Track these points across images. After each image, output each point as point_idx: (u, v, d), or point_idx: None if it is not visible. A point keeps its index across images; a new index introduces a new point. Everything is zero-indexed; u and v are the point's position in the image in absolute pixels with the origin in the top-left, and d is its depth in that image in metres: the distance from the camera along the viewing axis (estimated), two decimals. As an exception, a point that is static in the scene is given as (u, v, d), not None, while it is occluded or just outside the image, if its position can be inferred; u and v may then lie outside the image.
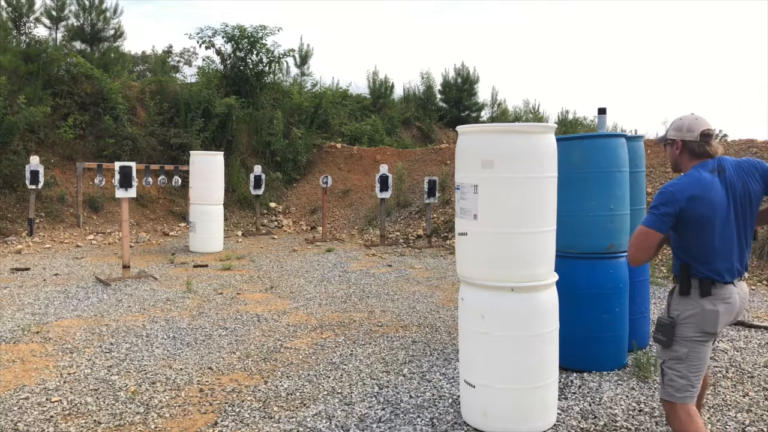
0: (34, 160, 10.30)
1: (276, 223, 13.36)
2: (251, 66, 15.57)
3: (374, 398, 3.67)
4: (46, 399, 3.64)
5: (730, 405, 3.57)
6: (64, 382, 3.91)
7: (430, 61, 50.38)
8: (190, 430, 3.24)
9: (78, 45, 14.71)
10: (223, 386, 3.88)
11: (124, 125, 12.64)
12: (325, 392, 3.78)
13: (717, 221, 2.52)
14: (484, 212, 3.12)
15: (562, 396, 3.67)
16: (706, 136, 2.59)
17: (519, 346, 3.11)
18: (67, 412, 3.46)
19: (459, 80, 20.36)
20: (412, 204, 12.85)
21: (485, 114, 20.97)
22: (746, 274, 2.66)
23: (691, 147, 2.62)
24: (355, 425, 3.29)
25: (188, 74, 18.12)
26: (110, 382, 3.91)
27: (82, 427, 3.27)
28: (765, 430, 3.26)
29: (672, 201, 2.50)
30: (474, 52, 46.84)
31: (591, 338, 4.08)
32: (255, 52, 15.44)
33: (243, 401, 3.63)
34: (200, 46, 15.95)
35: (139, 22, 37.64)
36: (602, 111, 4.67)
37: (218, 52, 15.57)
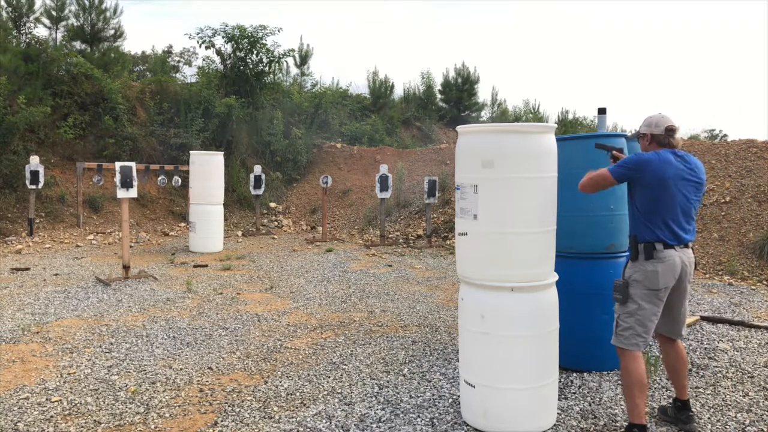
0: (34, 160, 10.30)
1: (276, 223, 13.36)
2: (251, 66, 15.57)
3: (374, 398, 3.67)
4: (46, 399, 3.64)
5: (730, 405, 3.57)
6: (64, 382, 3.91)
7: (430, 61, 50.40)
8: (190, 430, 3.24)
9: (78, 45, 14.70)
10: (223, 386, 3.88)
11: (124, 125, 12.65)
12: (325, 392, 3.78)
13: (664, 191, 3.09)
14: (484, 212, 3.12)
15: (562, 396, 3.67)
16: (670, 130, 3.20)
17: (519, 346, 3.11)
18: (67, 412, 3.46)
19: (459, 80, 20.37)
20: (412, 204, 12.85)
21: (485, 114, 20.99)
22: (693, 244, 3.22)
23: (658, 139, 3.22)
24: (355, 425, 3.29)
25: (188, 74, 18.16)
26: (110, 382, 3.91)
27: (82, 427, 3.27)
28: (765, 430, 3.26)
29: (636, 162, 3.14)
30: (474, 52, 46.87)
31: (591, 338, 4.08)
32: (255, 52, 15.44)
33: (243, 401, 3.63)
34: (200, 46, 15.97)
35: (139, 22, 37.66)
36: (602, 111, 4.67)
37: (218, 52, 15.57)
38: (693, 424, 3.24)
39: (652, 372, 4.03)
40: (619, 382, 3.89)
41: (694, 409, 3.46)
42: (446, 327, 5.35)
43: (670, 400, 3.46)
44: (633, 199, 3.20)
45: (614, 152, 3.57)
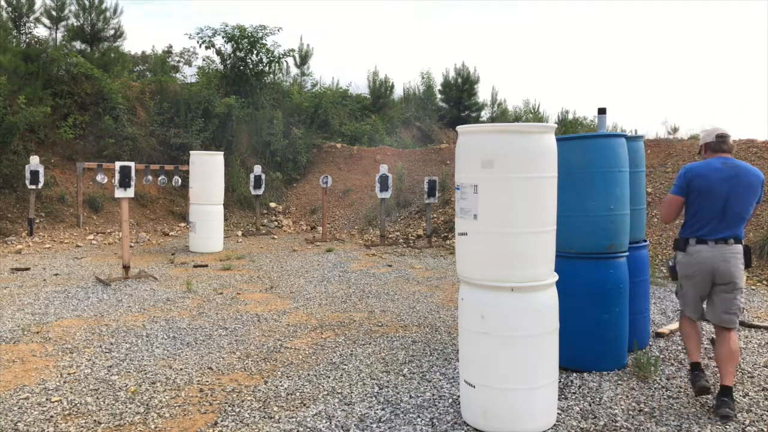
0: (34, 160, 10.30)
1: (276, 223, 13.36)
2: (251, 66, 15.57)
3: (374, 398, 3.67)
4: (46, 399, 3.64)
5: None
6: (64, 382, 3.91)
7: (430, 61, 50.35)
8: (190, 430, 3.24)
9: (78, 45, 14.69)
10: (223, 386, 3.88)
11: (124, 125, 12.65)
12: (325, 392, 3.78)
13: (707, 195, 3.58)
14: (484, 212, 3.12)
15: (562, 396, 3.67)
16: (720, 136, 3.71)
17: (519, 346, 3.11)
18: (67, 412, 3.46)
19: (459, 80, 20.35)
20: (412, 204, 12.85)
21: (485, 114, 20.96)
22: (732, 242, 3.58)
23: (711, 146, 3.74)
24: (355, 425, 3.29)
25: (188, 74, 18.11)
26: (110, 382, 3.91)
27: (82, 427, 3.27)
28: (765, 430, 3.26)
29: (684, 175, 3.71)
30: (474, 52, 46.82)
31: (591, 338, 4.08)
32: (255, 52, 15.45)
33: (243, 401, 3.63)
34: (200, 46, 15.97)
35: (139, 22, 37.63)
36: (602, 111, 4.67)
37: (218, 52, 15.57)
38: (722, 410, 3.37)
39: (652, 372, 4.03)
40: (619, 382, 3.93)
41: (694, 408, 3.47)
42: (446, 327, 5.35)
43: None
44: (687, 201, 3.73)
45: None
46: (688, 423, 3.33)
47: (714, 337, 3.83)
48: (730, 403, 3.39)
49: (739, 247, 3.59)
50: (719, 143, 3.69)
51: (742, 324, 5.33)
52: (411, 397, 3.70)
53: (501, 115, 20.66)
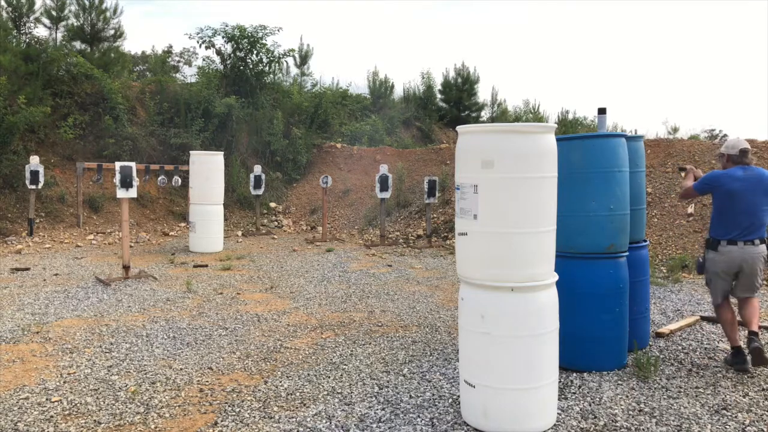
0: (34, 160, 10.30)
1: (276, 223, 13.36)
2: (251, 66, 15.56)
3: (374, 398, 3.67)
4: (46, 399, 3.64)
5: (730, 405, 3.57)
6: (64, 382, 3.91)
7: (430, 61, 50.36)
8: (190, 430, 3.24)
9: (78, 45, 14.68)
10: (223, 386, 3.88)
11: (124, 125, 12.64)
12: (325, 392, 3.78)
13: (731, 200, 4.16)
14: (484, 212, 3.12)
15: (562, 396, 3.67)
16: (743, 151, 4.27)
17: (519, 346, 3.11)
18: (67, 412, 3.46)
19: (459, 80, 20.34)
20: (412, 204, 12.85)
21: (485, 114, 20.96)
22: (758, 242, 4.17)
23: (733, 158, 4.31)
24: (355, 425, 3.29)
25: (188, 74, 18.12)
26: (110, 382, 3.91)
27: (82, 427, 3.27)
28: (765, 430, 3.26)
29: (710, 180, 4.34)
30: (474, 52, 46.83)
31: (591, 338, 4.08)
32: (255, 52, 15.44)
33: (243, 401, 3.63)
34: (200, 46, 15.98)
35: (139, 22, 37.65)
36: (602, 111, 4.67)
37: (218, 52, 15.57)
38: (753, 345, 4.03)
39: (652, 372, 4.03)
40: (619, 382, 3.92)
41: (695, 408, 3.48)
42: (446, 327, 5.35)
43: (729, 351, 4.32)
44: (713, 204, 4.35)
45: (687, 168, 4.81)
46: (688, 423, 3.33)
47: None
48: (758, 339, 4.10)
49: (764, 247, 4.20)
50: (741, 157, 4.27)
51: (743, 324, 5.32)
52: (411, 397, 3.70)
53: (501, 115, 20.66)
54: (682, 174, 4.97)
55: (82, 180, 11.18)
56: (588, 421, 3.35)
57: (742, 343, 4.28)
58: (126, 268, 7.35)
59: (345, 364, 4.31)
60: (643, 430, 3.25)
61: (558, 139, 3.38)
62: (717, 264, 4.25)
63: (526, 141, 3.10)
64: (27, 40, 13.70)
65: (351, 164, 15.18)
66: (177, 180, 11.94)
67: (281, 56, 15.98)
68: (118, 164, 7.45)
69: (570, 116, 19.38)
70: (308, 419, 3.37)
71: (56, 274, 7.64)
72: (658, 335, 4.99)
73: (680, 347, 4.71)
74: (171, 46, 22.03)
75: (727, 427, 3.29)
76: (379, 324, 5.45)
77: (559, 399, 3.52)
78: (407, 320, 5.59)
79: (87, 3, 14.71)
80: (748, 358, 4.10)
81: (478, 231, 3.15)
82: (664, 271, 7.83)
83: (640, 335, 4.59)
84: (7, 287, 6.83)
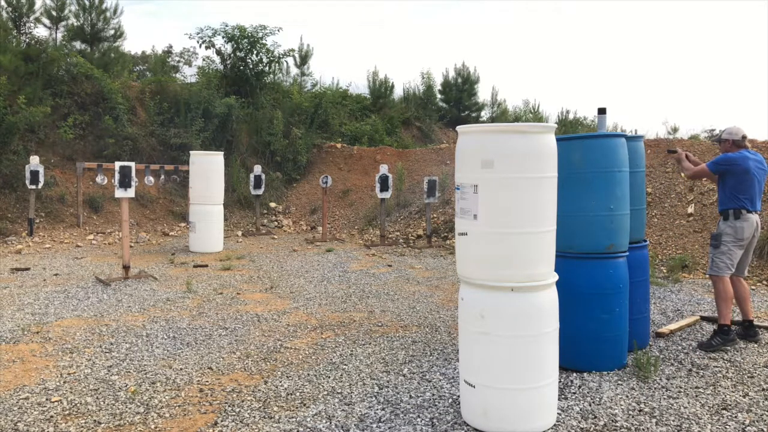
0: (34, 160, 10.30)
1: (276, 223, 13.36)
2: (251, 66, 15.56)
3: (374, 398, 3.67)
4: (46, 399, 3.64)
5: (730, 405, 3.57)
6: (64, 382, 3.91)
7: (430, 61, 50.39)
8: (190, 430, 3.24)
9: (78, 45, 14.69)
10: (223, 386, 3.88)
11: (124, 125, 12.64)
12: (325, 392, 3.78)
13: (747, 176, 4.69)
14: (484, 212, 3.12)
15: (562, 396, 3.67)
16: (744, 137, 4.89)
17: (519, 346, 3.11)
18: (67, 412, 3.46)
19: (459, 80, 20.34)
20: (412, 204, 12.84)
21: (485, 114, 20.96)
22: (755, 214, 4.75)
23: (737, 143, 4.88)
24: (355, 425, 3.29)
25: (188, 74, 18.07)
26: (110, 382, 3.91)
27: (82, 427, 3.27)
28: (765, 430, 3.26)
29: (726, 160, 4.80)
30: (474, 52, 46.85)
31: (591, 338, 4.08)
32: (255, 52, 15.43)
33: (243, 401, 3.63)
34: (200, 46, 15.96)
35: (139, 22, 37.65)
36: (602, 111, 4.67)
37: (218, 52, 15.56)
38: (758, 337, 4.79)
39: (652, 372, 4.03)
40: (619, 382, 3.92)
41: (695, 408, 3.48)
42: (446, 327, 5.35)
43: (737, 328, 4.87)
44: (724, 183, 4.79)
45: (678, 152, 5.22)
46: (688, 423, 3.33)
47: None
48: (756, 329, 4.82)
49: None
50: (743, 141, 4.88)
51: (742, 324, 5.32)
52: (411, 397, 3.70)
53: (501, 115, 20.65)
54: (674, 155, 5.31)
55: (82, 180, 11.18)
56: (588, 421, 3.35)
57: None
58: (126, 268, 7.35)
59: (345, 364, 4.31)
60: (643, 430, 3.25)
61: (558, 139, 3.38)
62: (743, 231, 4.67)
63: (526, 141, 3.10)
64: (27, 40, 13.70)
65: (351, 164, 15.18)
66: (176, 180, 11.90)
67: (281, 56, 15.98)
68: (117, 164, 7.45)
69: (570, 116, 19.39)
70: (308, 419, 3.37)
71: (56, 274, 7.64)
72: (658, 335, 4.99)
73: (680, 347, 4.71)
74: (171, 46, 22.02)
75: (727, 427, 3.29)
76: (379, 324, 5.45)
77: (559, 399, 3.52)
78: (407, 320, 5.59)
79: (87, 3, 14.72)
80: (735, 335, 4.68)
81: (478, 231, 3.15)
82: (664, 271, 7.83)
83: (640, 335, 4.59)
84: (7, 287, 6.83)
